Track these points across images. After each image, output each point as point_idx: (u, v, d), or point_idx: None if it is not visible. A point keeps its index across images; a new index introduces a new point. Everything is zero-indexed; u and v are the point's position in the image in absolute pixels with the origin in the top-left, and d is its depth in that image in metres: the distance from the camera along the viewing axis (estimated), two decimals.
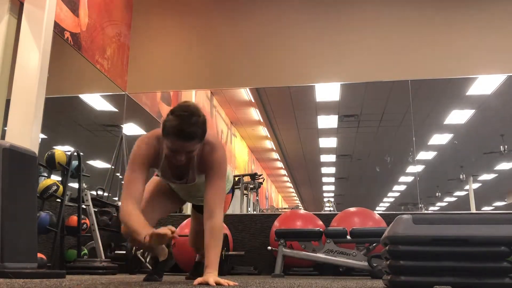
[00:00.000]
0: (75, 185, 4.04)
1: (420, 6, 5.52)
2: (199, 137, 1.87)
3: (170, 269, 4.48)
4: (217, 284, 1.78)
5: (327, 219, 4.60)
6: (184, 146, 1.84)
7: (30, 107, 3.51)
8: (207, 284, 1.79)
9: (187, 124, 1.81)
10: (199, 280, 1.83)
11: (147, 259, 4.07)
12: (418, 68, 5.35)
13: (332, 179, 13.31)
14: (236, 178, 6.84)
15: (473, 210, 10.08)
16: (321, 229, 3.98)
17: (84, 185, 4.00)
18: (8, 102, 3.62)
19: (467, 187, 11.39)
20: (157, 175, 2.26)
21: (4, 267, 2.24)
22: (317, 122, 8.66)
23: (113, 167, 5.41)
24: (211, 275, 1.84)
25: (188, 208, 5.33)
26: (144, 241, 1.74)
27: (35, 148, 3.46)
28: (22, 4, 3.75)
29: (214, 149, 2.00)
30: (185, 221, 4.59)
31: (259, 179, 6.97)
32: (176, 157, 1.88)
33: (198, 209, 2.46)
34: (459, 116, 8.07)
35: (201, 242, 2.12)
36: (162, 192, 2.32)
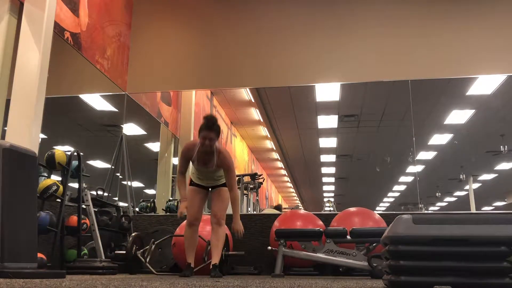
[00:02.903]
0: (75, 185, 4.04)
1: (420, 6, 5.52)
2: (216, 131, 3.45)
3: (170, 269, 4.49)
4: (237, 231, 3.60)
5: (327, 219, 4.59)
6: (209, 134, 3.42)
7: (30, 107, 3.51)
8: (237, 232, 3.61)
9: (209, 122, 3.44)
10: (234, 228, 3.59)
11: (147, 259, 4.08)
12: (418, 68, 5.35)
13: (332, 179, 13.31)
14: (236, 178, 6.83)
15: (473, 210, 10.08)
16: (321, 229, 3.98)
17: (84, 185, 4.00)
18: (8, 102, 3.62)
19: (467, 187, 11.40)
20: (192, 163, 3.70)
21: (4, 267, 2.24)
22: (317, 122, 8.66)
23: (113, 167, 5.41)
24: (238, 223, 3.62)
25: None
26: (181, 202, 3.63)
27: (35, 148, 3.46)
28: (22, 4, 3.75)
29: (226, 157, 3.58)
30: (184, 222, 4.58)
31: (259, 179, 6.97)
32: (205, 142, 3.43)
33: (213, 188, 3.78)
34: (459, 116, 8.07)
35: (217, 212, 3.67)
36: (196, 192, 3.72)
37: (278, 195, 15.26)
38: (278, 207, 8.18)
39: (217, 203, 3.68)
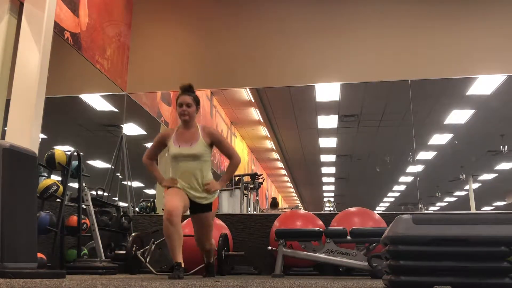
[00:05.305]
0: (75, 185, 4.04)
1: (420, 6, 5.52)
2: (193, 97, 3.09)
3: (170, 269, 4.48)
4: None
5: (327, 219, 4.59)
6: (185, 99, 3.05)
7: (30, 107, 3.51)
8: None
9: (184, 86, 3.09)
10: (211, 183, 3.13)
11: (147, 259, 4.07)
12: (418, 68, 5.35)
13: (332, 179, 13.31)
14: (236, 178, 6.83)
15: (473, 210, 10.08)
16: (321, 229, 3.98)
17: (84, 185, 4.00)
18: (8, 102, 3.62)
19: (467, 187, 11.39)
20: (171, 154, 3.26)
21: (4, 267, 2.24)
22: (317, 122, 8.66)
23: (113, 167, 5.41)
24: (219, 184, 3.16)
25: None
26: (163, 185, 3.16)
27: (35, 148, 3.46)
28: (22, 4, 3.75)
29: (212, 130, 3.24)
30: (184, 221, 4.58)
31: (259, 179, 6.95)
32: (182, 108, 3.04)
33: (195, 210, 3.24)
34: (459, 116, 8.06)
35: (203, 240, 3.31)
36: (178, 191, 3.12)
37: (278, 195, 15.26)
38: (274, 201, 7.94)
39: (202, 230, 3.29)
